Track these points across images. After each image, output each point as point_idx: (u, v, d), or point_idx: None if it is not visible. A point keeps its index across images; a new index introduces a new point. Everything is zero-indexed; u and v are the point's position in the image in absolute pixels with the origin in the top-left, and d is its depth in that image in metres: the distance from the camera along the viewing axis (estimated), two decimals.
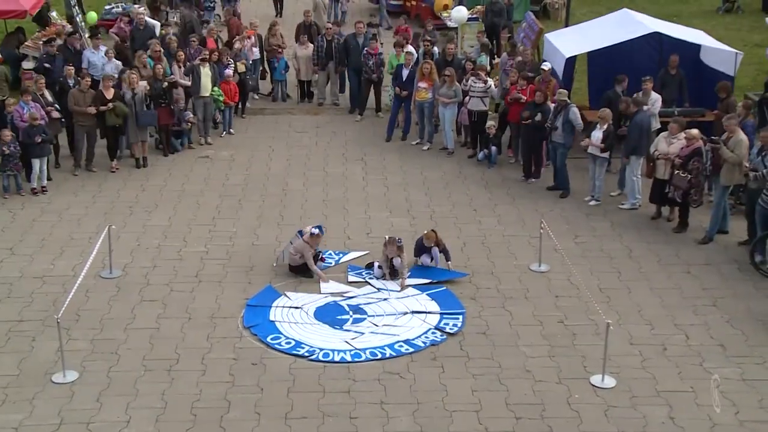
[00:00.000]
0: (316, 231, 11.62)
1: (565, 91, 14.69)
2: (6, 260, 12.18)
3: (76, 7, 21.29)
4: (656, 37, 15.84)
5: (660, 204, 13.57)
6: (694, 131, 12.98)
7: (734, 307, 11.13)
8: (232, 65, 17.10)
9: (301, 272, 11.62)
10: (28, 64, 17.93)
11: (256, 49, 18.41)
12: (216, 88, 16.59)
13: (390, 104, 17.36)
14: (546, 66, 15.63)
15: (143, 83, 15.58)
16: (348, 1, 24.39)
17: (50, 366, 9.73)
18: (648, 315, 10.95)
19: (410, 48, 17.17)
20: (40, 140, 14.26)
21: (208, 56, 16.61)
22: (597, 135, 13.95)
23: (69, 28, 19.41)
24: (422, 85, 16.27)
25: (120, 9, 21.70)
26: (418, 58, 17.15)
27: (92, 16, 21.31)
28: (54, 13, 21.25)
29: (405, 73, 16.57)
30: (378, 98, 17.98)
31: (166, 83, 15.73)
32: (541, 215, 13.20)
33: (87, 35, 19.00)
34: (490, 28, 20.63)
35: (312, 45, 18.39)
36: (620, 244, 12.90)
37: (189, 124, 16.35)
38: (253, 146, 16.63)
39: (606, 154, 13.98)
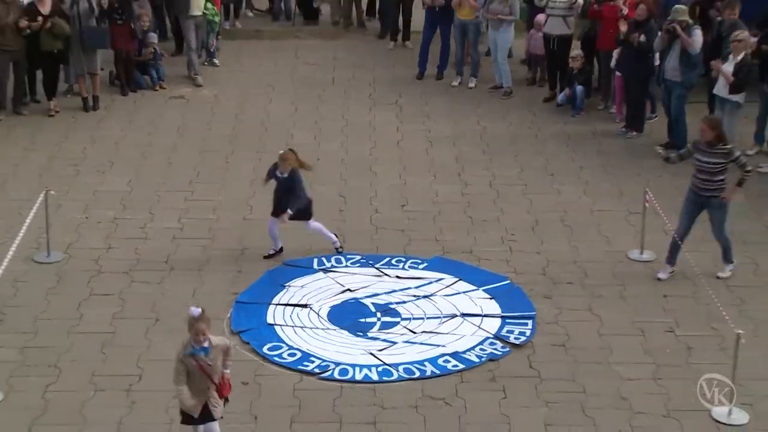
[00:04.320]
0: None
1: (684, 6, 14.52)
2: None
3: None
4: None
5: None
6: None
7: None
8: None
9: None
10: None
11: None
12: (210, 4, 16.53)
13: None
14: None
15: None
16: None
17: None
18: None
19: None
20: None
21: None
22: (728, 69, 13.86)
23: None
24: None
25: None
26: None
27: None
28: None
29: None
30: (406, 20, 18.03)
31: None
32: (645, 183, 13.10)
33: None
34: None
35: None
36: (759, 224, 12.83)
37: (152, 51, 16.28)
38: (246, 84, 16.75)
39: (738, 97, 13.82)
